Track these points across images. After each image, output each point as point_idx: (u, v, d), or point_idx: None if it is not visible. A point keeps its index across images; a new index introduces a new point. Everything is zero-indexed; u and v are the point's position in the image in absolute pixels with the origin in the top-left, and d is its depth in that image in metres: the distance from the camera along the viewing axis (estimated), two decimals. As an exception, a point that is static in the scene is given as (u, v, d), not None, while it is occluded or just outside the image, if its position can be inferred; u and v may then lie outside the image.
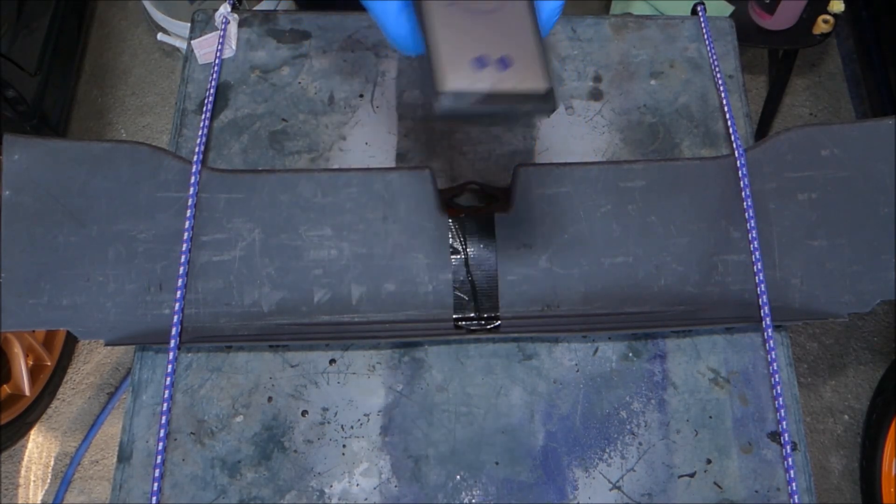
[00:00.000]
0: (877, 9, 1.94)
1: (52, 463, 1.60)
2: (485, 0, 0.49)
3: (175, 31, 1.79)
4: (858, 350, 1.76)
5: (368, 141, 0.83)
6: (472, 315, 0.70)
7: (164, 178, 0.70)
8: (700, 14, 0.91)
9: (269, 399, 0.70)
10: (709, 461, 0.69)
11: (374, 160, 0.82)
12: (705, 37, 0.88)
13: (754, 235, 0.71)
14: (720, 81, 0.84)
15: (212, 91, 0.81)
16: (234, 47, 0.87)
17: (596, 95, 0.87)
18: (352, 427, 0.69)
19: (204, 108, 0.79)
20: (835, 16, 1.53)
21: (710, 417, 0.70)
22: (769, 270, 0.71)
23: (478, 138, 0.83)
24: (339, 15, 0.90)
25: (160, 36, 1.79)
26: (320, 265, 0.70)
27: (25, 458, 1.60)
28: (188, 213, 0.69)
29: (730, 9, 1.52)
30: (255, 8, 1.67)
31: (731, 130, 0.79)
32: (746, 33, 1.55)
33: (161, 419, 0.66)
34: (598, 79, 0.88)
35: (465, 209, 0.73)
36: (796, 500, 0.65)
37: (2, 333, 1.49)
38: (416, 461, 0.68)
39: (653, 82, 0.87)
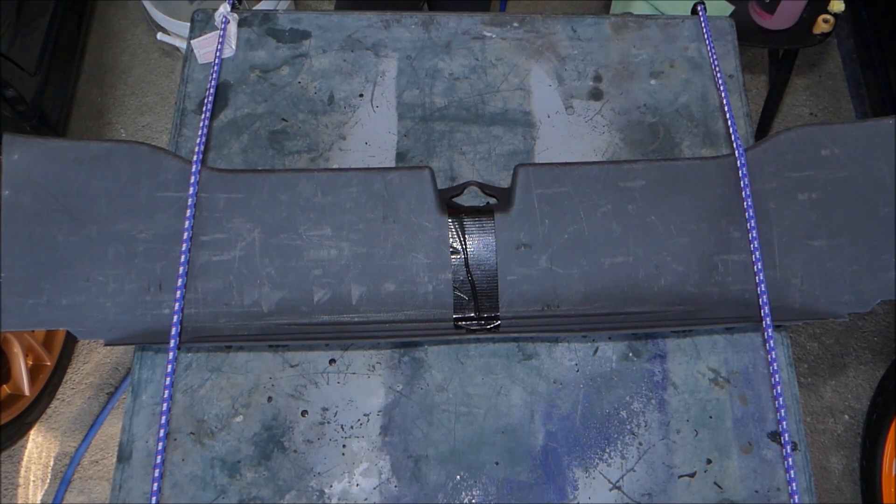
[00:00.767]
0: (877, 9, 1.94)
1: (51, 463, 1.60)
2: None
3: (175, 31, 1.79)
4: (859, 350, 1.76)
5: (368, 141, 0.83)
6: (472, 315, 0.70)
7: (164, 177, 0.70)
8: (700, 14, 0.91)
9: (269, 399, 0.70)
10: (709, 461, 0.69)
11: (374, 160, 0.82)
12: (705, 36, 0.88)
13: (754, 235, 0.71)
14: (720, 81, 0.84)
15: (211, 91, 0.81)
16: (233, 47, 0.87)
17: (596, 95, 0.86)
18: (352, 427, 0.69)
19: (204, 108, 0.79)
20: (835, 15, 1.53)
21: (711, 417, 0.70)
22: (769, 270, 0.71)
23: (478, 138, 0.83)
24: (338, 15, 0.90)
25: (160, 36, 1.79)
26: (320, 265, 0.70)
27: (25, 458, 1.60)
28: (188, 212, 0.69)
29: (730, 8, 1.52)
30: (254, 7, 1.67)
31: (731, 130, 0.79)
32: (746, 33, 1.55)
33: (161, 419, 0.66)
34: (598, 78, 0.87)
35: (465, 209, 0.72)
36: (796, 500, 0.65)
37: (1, 333, 1.49)
38: (416, 461, 0.68)
39: (653, 82, 0.87)
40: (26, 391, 1.56)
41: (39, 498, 1.58)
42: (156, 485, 0.63)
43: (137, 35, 2.13)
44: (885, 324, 1.79)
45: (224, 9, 0.86)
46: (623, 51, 0.89)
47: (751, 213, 0.71)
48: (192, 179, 0.70)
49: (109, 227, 0.68)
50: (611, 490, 0.67)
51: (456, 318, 0.69)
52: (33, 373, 1.59)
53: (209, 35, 0.86)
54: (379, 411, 0.70)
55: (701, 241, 0.72)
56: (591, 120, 0.85)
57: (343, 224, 0.70)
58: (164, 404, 0.66)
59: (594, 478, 0.67)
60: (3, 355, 1.52)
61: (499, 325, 0.69)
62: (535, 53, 0.89)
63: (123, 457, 0.67)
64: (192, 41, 0.86)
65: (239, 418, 0.69)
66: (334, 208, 0.71)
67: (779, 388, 0.69)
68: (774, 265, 0.71)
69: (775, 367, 0.69)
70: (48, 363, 1.63)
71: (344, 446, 0.68)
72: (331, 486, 0.67)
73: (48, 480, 1.60)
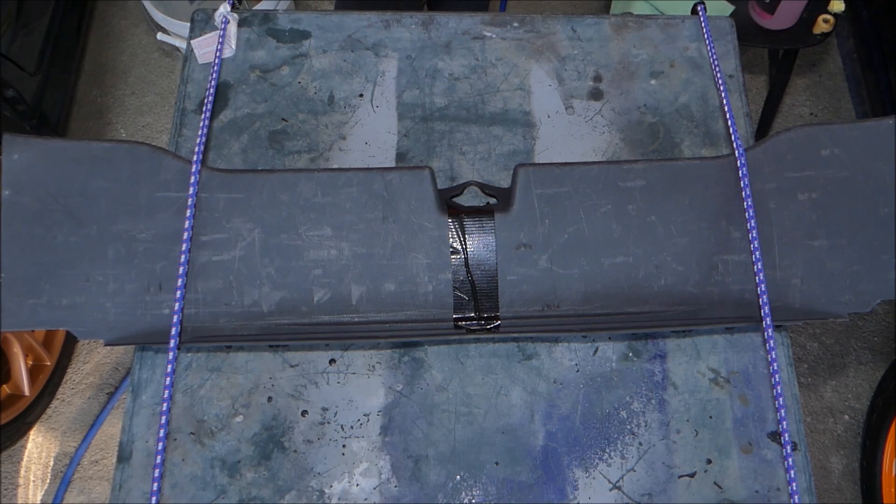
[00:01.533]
0: (877, 9, 1.94)
1: (51, 463, 1.60)
2: None
3: (175, 31, 1.79)
4: (859, 350, 1.76)
5: (368, 141, 0.83)
6: (472, 315, 0.70)
7: (164, 177, 0.70)
8: (700, 14, 0.91)
9: (269, 399, 0.70)
10: (709, 461, 0.69)
11: (374, 160, 0.82)
12: (705, 36, 0.88)
13: (755, 235, 0.71)
14: (720, 81, 0.84)
15: (211, 91, 0.81)
16: (233, 47, 0.87)
17: (596, 95, 0.86)
18: (352, 427, 0.69)
19: (204, 108, 0.79)
20: (835, 15, 1.53)
21: (711, 417, 0.70)
22: (769, 270, 0.71)
23: (478, 138, 0.83)
24: (338, 15, 0.90)
25: (160, 35, 1.79)
26: (320, 265, 0.70)
27: (25, 458, 1.60)
28: (188, 212, 0.69)
29: (730, 8, 1.52)
30: (254, 7, 1.67)
31: (731, 130, 0.79)
32: (746, 33, 1.55)
33: (161, 419, 0.66)
34: (598, 78, 0.87)
35: (465, 209, 0.72)
36: (796, 500, 0.65)
37: (1, 333, 1.49)
38: (416, 461, 0.68)
39: (653, 82, 0.87)
40: (26, 391, 1.56)
41: (39, 498, 1.58)
42: (156, 485, 0.63)
43: (137, 35, 2.13)
44: (885, 324, 1.79)
45: (224, 9, 0.86)
46: (623, 51, 0.89)
47: (751, 213, 0.71)
48: (192, 179, 0.70)
49: (109, 227, 0.68)
50: (611, 490, 0.67)
51: (456, 318, 0.69)
52: (33, 373, 1.59)
53: (209, 35, 0.86)
54: (379, 411, 0.70)
55: (701, 241, 0.72)
56: (591, 120, 0.85)
57: (343, 224, 0.70)
58: (164, 404, 0.66)
59: (594, 478, 0.67)
60: (3, 355, 1.52)
61: (499, 325, 0.69)
62: (535, 53, 0.89)
63: (123, 457, 0.67)
64: (192, 41, 0.86)
65: (239, 418, 0.69)
66: (334, 208, 0.71)
67: (779, 388, 0.69)
68: (774, 265, 0.71)
69: (775, 367, 0.69)
70: (48, 363, 1.63)
71: (344, 446, 0.68)
72: (331, 486, 0.67)
73: (48, 480, 1.60)
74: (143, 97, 2.05)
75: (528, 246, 0.70)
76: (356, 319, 0.69)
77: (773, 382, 0.70)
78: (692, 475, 0.68)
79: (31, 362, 1.59)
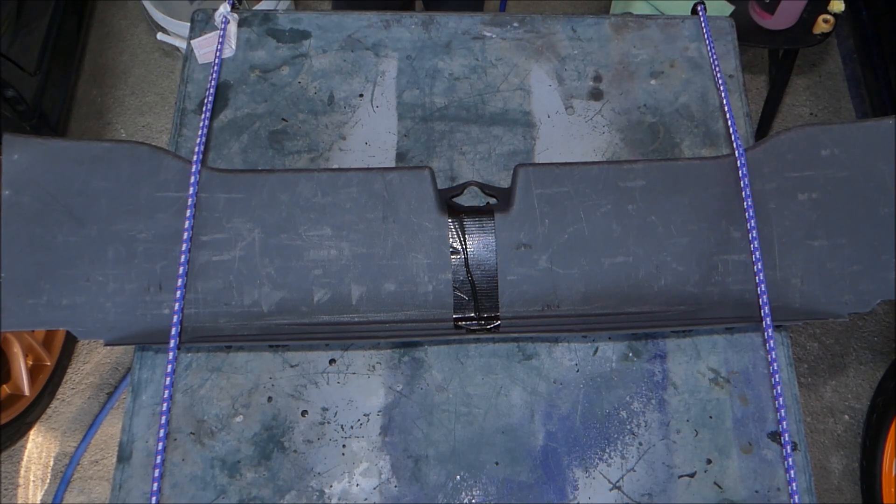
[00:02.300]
0: (877, 9, 1.94)
1: (51, 463, 1.60)
2: None
3: (175, 31, 1.78)
4: (859, 350, 1.76)
5: (368, 141, 0.83)
6: (472, 315, 0.70)
7: (164, 177, 0.70)
8: (700, 14, 0.91)
9: (269, 399, 0.70)
10: (709, 461, 0.69)
11: (374, 160, 0.82)
12: (705, 36, 0.88)
13: (755, 235, 0.71)
14: (720, 81, 0.84)
15: (211, 91, 0.81)
16: (233, 47, 0.87)
17: (596, 95, 0.86)
18: (352, 427, 0.69)
19: (204, 108, 0.79)
20: (835, 15, 1.53)
21: (711, 417, 0.70)
22: (769, 270, 0.71)
23: (478, 138, 0.83)
24: (338, 15, 0.90)
25: (160, 35, 1.79)
26: (320, 265, 0.70)
27: (25, 458, 1.60)
28: (188, 212, 0.69)
29: (730, 8, 1.52)
30: (254, 7, 1.67)
31: (731, 130, 0.79)
32: (746, 33, 1.55)
33: (161, 419, 0.66)
34: (598, 78, 0.87)
35: (465, 209, 0.72)
36: (797, 500, 0.65)
37: (1, 333, 1.49)
38: (416, 461, 0.68)
39: (653, 82, 0.87)
40: (26, 391, 1.56)
41: (39, 498, 1.58)
42: (156, 485, 0.63)
43: (137, 35, 2.13)
44: (885, 324, 1.79)
45: (224, 9, 0.86)
46: (623, 51, 0.89)
47: (751, 213, 0.71)
48: (192, 179, 0.70)
49: (109, 227, 0.68)
50: (611, 490, 0.67)
51: (456, 318, 0.69)
52: (33, 373, 1.59)
53: (209, 35, 0.86)
54: (379, 411, 0.70)
55: (701, 241, 0.72)
56: (591, 120, 0.85)
57: (343, 224, 0.70)
58: (164, 404, 0.66)
59: (594, 478, 0.67)
60: (3, 355, 1.52)
61: (499, 325, 0.69)
62: (535, 53, 0.89)
63: (123, 457, 0.67)
64: (191, 41, 0.86)
65: (239, 418, 0.69)
66: (334, 208, 0.71)
67: (779, 388, 0.69)
68: (774, 265, 0.71)
69: (775, 367, 0.69)
70: (48, 363, 1.63)
71: (344, 446, 0.68)
72: (331, 486, 0.67)
73: (48, 480, 1.60)
74: (143, 97, 2.05)
75: (529, 246, 0.70)
76: (356, 319, 0.69)
77: (773, 382, 0.70)
78: (692, 475, 0.68)
79: (31, 362, 1.59)
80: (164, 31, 1.82)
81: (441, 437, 0.69)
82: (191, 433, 0.68)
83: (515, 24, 0.90)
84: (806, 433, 1.44)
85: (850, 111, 2.08)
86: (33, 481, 1.60)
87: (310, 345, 0.72)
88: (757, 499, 0.67)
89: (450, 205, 0.73)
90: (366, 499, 0.66)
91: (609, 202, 0.72)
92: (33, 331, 1.54)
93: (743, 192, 0.72)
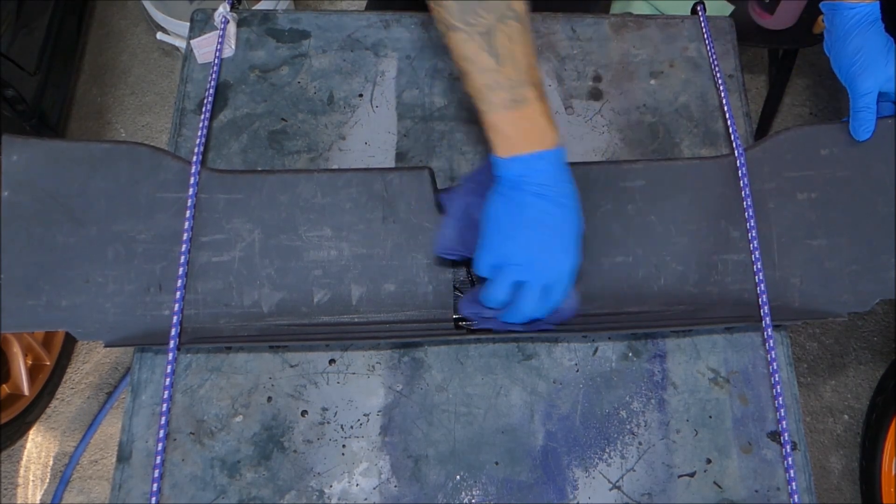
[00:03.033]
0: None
1: (51, 462, 1.60)
2: None
3: (174, 31, 1.78)
4: (858, 350, 1.76)
5: (368, 141, 0.83)
6: (472, 315, 0.70)
7: (164, 178, 0.70)
8: (700, 13, 0.91)
9: (269, 399, 0.70)
10: (709, 461, 0.69)
11: (374, 160, 0.82)
12: (705, 36, 0.88)
13: (754, 235, 0.71)
14: (720, 81, 0.84)
15: (211, 91, 0.80)
16: (233, 47, 0.87)
17: (596, 95, 0.86)
18: (351, 427, 0.69)
19: (203, 108, 0.79)
20: (834, 15, 1.53)
21: (710, 417, 0.70)
22: (768, 270, 0.71)
23: (478, 138, 0.83)
24: (338, 14, 0.90)
25: (159, 35, 1.78)
26: (320, 265, 0.70)
27: (24, 458, 1.60)
28: (188, 213, 0.69)
29: (730, 8, 1.52)
30: (254, 7, 1.67)
31: (731, 130, 0.79)
32: (746, 33, 1.55)
33: (160, 419, 0.66)
34: (597, 78, 0.87)
35: (464, 209, 0.72)
36: (796, 500, 0.65)
37: (1, 333, 1.49)
38: (415, 461, 0.68)
39: (652, 82, 0.87)
40: (26, 391, 1.56)
41: (39, 497, 1.58)
42: (155, 485, 0.63)
43: (137, 35, 2.13)
44: (884, 324, 1.79)
45: (223, 9, 0.86)
46: (623, 51, 0.89)
47: (751, 213, 0.71)
48: (192, 180, 0.70)
49: (109, 227, 0.68)
50: (611, 490, 0.67)
51: (456, 318, 0.69)
52: (33, 372, 1.59)
53: (208, 35, 0.86)
54: (379, 411, 0.70)
55: (700, 241, 0.72)
56: (590, 120, 0.85)
57: (343, 224, 0.70)
58: (164, 404, 0.66)
59: (594, 477, 0.67)
60: (2, 355, 1.52)
61: (498, 325, 0.69)
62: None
63: (123, 457, 0.67)
64: (191, 41, 0.86)
65: (239, 418, 0.69)
66: (334, 209, 0.71)
67: (778, 387, 0.69)
68: (773, 265, 0.71)
69: (775, 367, 0.69)
70: (48, 363, 1.62)
71: (344, 446, 0.68)
72: (331, 486, 0.67)
73: (47, 480, 1.60)
74: (143, 97, 2.04)
75: (528, 246, 0.70)
76: (356, 320, 0.69)
77: (772, 382, 0.70)
78: (692, 475, 0.68)
79: (30, 362, 1.59)
80: (164, 30, 1.82)
81: (441, 437, 0.69)
82: (190, 433, 0.68)
83: (515, 24, 0.90)
84: (805, 433, 1.44)
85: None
86: (33, 481, 1.60)
87: (310, 345, 0.72)
88: (757, 498, 0.67)
89: (449, 205, 0.73)
90: (366, 499, 0.66)
91: (609, 202, 0.72)
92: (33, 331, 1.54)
93: (743, 192, 0.72)
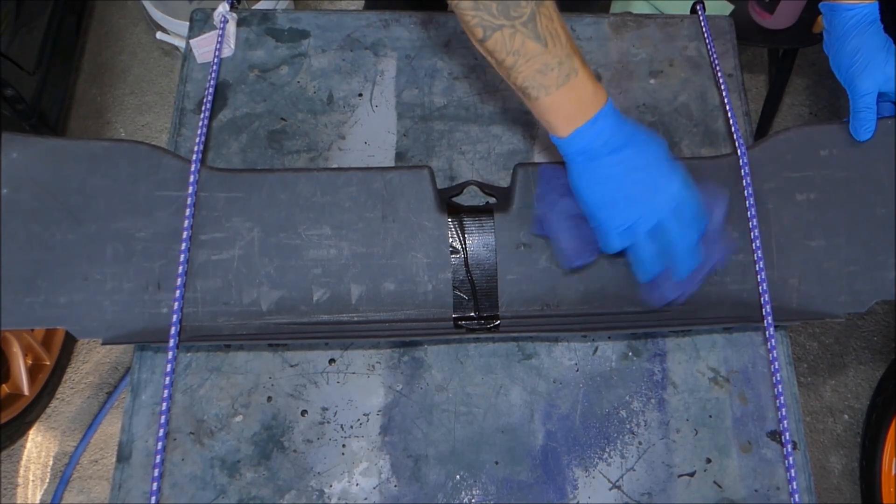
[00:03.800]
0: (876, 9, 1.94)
1: (50, 462, 1.60)
2: None
3: (174, 30, 1.78)
4: (858, 350, 1.76)
5: (367, 140, 0.83)
6: (472, 314, 0.70)
7: (163, 176, 0.70)
8: (699, 13, 0.90)
9: (269, 399, 0.70)
10: (708, 460, 0.69)
11: (374, 159, 0.82)
12: (705, 36, 0.88)
13: (756, 235, 0.71)
14: (721, 80, 0.84)
15: (211, 90, 0.80)
16: (232, 46, 0.87)
17: (595, 94, 0.86)
18: (351, 427, 0.69)
19: (203, 107, 0.79)
20: (834, 15, 1.53)
21: (710, 416, 0.70)
22: (767, 270, 0.71)
23: (477, 137, 0.83)
24: (337, 14, 0.90)
25: (159, 35, 1.78)
26: (319, 264, 0.70)
27: (24, 458, 1.60)
28: (187, 211, 0.68)
29: (729, 8, 1.52)
30: (253, 7, 1.67)
31: (733, 129, 0.78)
32: (746, 32, 1.55)
33: (160, 419, 0.65)
34: (597, 77, 0.87)
35: (464, 209, 0.72)
36: (796, 500, 0.65)
37: (0, 332, 1.49)
38: (415, 461, 0.68)
39: (652, 81, 0.87)
40: (25, 391, 1.56)
41: (39, 497, 1.58)
42: (155, 485, 0.63)
43: (136, 34, 2.13)
44: (884, 324, 1.79)
45: (223, 8, 0.86)
46: (622, 50, 0.89)
47: (752, 213, 0.71)
48: (192, 178, 0.69)
49: (108, 225, 0.68)
50: (610, 489, 0.67)
51: (456, 317, 0.69)
52: (32, 372, 1.59)
53: (208, 34, 0.86)
54: (379, 411, 0.70)
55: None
56: (590, 119, 0.85)
57: (342, 223, 0.70)
58: (164, 404, 0.66)
59: (594, 477, 0.67)
60: (2, 354, 1.52)
61: (498, 324, 0.69)
62: (535, 53, 0.88)
63: (123, 456, 0.67)
64: (190, 41, 0.86)
65: (238, 418, 0.69)
66: (334, 207, 0.70)
67: (779, 387, 0.69)
68: (772, 265, 0.71)
69: (775, 367, 0.69)
70: (47, 362, 1.62)
71: (344, 446, 0.68)
72: (331, 486, 0.67)
73: (47, 480, 1.60)
74: (143, 96, 2.04)
75: (528, 245, 0.70)
76: (356, 319, 0.69)
77: (773, 382, 0.70)
78: (692, 474, 0.68)
79: (30, 362, 1.59)
80: (164, 30, 1.82)
81: (441, 436, 0.69)
82: (190, 433, 0.68)
83: (515, 24, 0.90)
84: (805, 432, 1.44)
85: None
86: (33, 481, 1.60)
87: (309, 344, 0.72)
88: (756, 498, 0.67)
89: (449, 204, 0.73)
90: (365, 498, 0.66)
91: (609, 201, 0.72)
92: (32, 330, 1.54)
93: (745, 192, 0.72)
